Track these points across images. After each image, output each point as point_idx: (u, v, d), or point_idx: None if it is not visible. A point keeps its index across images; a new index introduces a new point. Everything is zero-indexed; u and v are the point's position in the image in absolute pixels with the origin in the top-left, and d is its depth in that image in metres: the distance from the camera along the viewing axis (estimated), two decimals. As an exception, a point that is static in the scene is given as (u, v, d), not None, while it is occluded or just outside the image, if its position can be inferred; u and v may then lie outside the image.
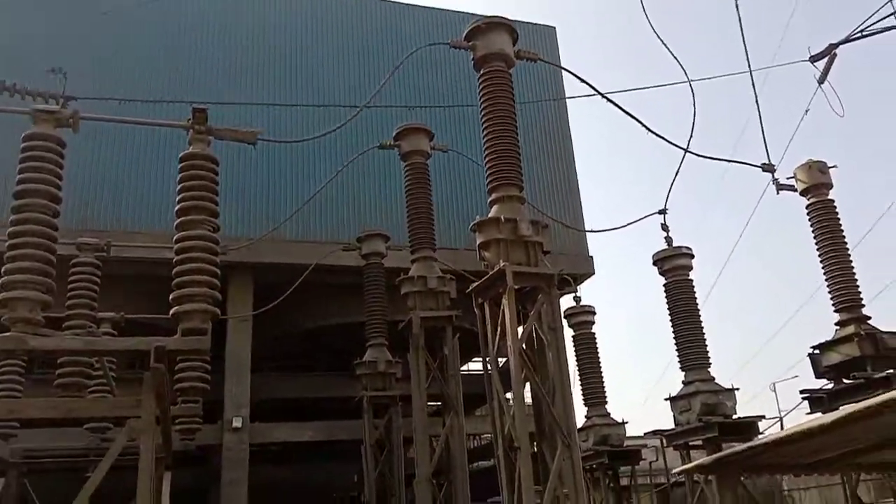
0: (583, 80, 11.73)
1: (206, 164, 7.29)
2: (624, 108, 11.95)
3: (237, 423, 19.18)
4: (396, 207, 19.38)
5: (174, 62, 21.05)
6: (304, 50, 22.81)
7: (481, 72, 10.46)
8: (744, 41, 16.10)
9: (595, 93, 11.86)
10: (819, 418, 4.70)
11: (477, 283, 9.66)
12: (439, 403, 17.26)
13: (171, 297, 6.83)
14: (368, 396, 15.64)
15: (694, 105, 15.48)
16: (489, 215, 9.66)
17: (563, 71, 19.42)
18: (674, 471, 7.53)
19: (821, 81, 27.02)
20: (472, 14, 20.88)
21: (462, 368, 18.99)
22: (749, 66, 16.08)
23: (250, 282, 19.88)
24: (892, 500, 13.51)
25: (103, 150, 18.81)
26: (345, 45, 23.35)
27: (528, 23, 24.33)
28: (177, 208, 7.21)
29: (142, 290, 17.33)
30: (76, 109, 6.84)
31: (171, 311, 6.80)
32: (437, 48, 11.78)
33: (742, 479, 11.34)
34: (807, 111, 24.58)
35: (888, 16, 25.65)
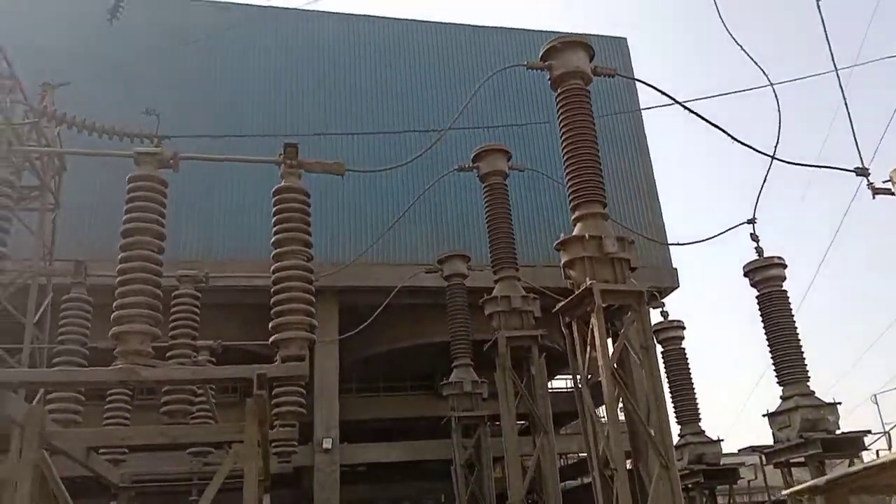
0: (661, 92, 11.56)
1: (299, 197, 7.56)
2: (705, 116, 11.73)
3: (327, 444, 19.60)
4: (476, 227, 19.53)
5: (263, 97, 21.94)
6: (381, 77, 23.37)
7: (559, 91, 10.44)
8: (827, 39, 15.44)
9: (673, 102, 11.68)
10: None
11: (564, 302, 9.59)
12: (526, 423, 17.18)
13: (270, 325, 7.08)
14: (457, 416, 15.71)
15: (778, 109, 14.98)
16: (573, 233, 9.60)
17: (638, 82, 19.23)
18: (782, 493, 7.21)
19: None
20: (543, 32, 20.94)
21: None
22: (834, 64, 15.47)
23: (335, 305, 20.38)
24: None
25: (194, 182, 19.71)
26: (422, 70, 23.79)
27: (599, 36, 24.22)
28: (273, 240, 7.48)
29: (234, 316, 18.00)
30: (177, 151, 7.21)
31: (271, 339, 7.05)
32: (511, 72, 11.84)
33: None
34: (898, 110, 23.31)
35: None
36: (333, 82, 22.82)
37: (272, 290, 7.21)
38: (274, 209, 7.51)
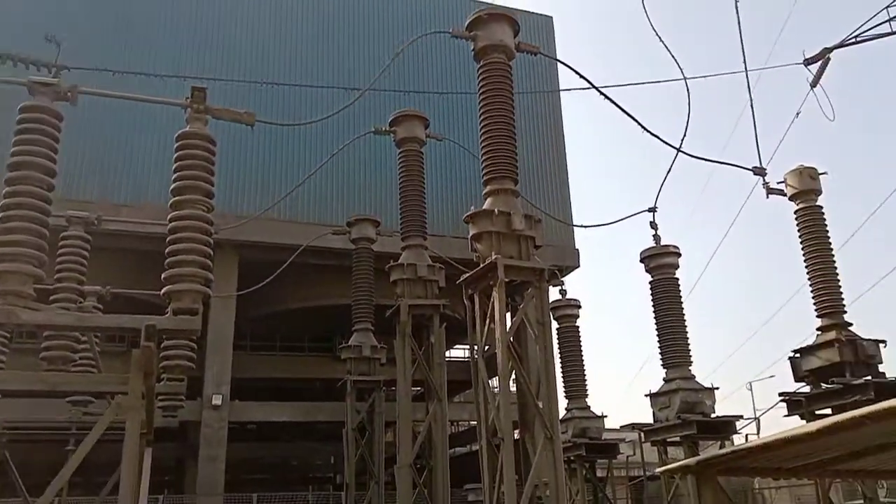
0: (580, 75, 11.75)
1: (204, 144, 7.24)
2: (619, 104, 12.01)
3: (217, 400, 19.22)
4: (388, 193, 19.39)
5: (173, 39, 20.87)
6: (305, 34, 22.64)
7: (481, 63, 10.43)
8: (741, 41, 16.17)
9: (591, 87, 11.89)
10: (804, 426, 4.79)
11: (468, 275, 9.69)
12: (420, 389, 17.36)
13: (163, 275, 6.80)
14: (353, 380, 15.69)
15: (689, 104, 15.49)
16: (483, 207, 9.68)
17: (560, 64, 19.45)
18: (657, 470, 7.64)
19: (813, 84, 27.24)
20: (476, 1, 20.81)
21: (445, 355, 19.06)
22: (745, 66, 16.14)
23: (236, 259, 19.86)
24: (860, 501, 13.76)
25: (93, 119, 18.62)
26: (345, 30, 23.20)
27: (525, 12, 24.29)
28: (172, 187, 7.15)
29: (126, 263, 17.26)
30: (75, 84, 6.76)
31: (163, 290, 6.77)
32: (438, 35, 11.72)
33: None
34: (798, 114, 24.77)
35: (884, 22, 25.89)
36: (257, 31, 21.94)
37: (168, 239, 6.92)
38: (176, 155, 7.17)
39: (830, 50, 26.54)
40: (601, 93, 12.01)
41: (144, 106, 18.45)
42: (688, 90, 13.40)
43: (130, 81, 16.44)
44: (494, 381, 12.71)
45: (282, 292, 20.46)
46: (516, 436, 17.28)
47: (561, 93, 24.86)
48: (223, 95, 16.50)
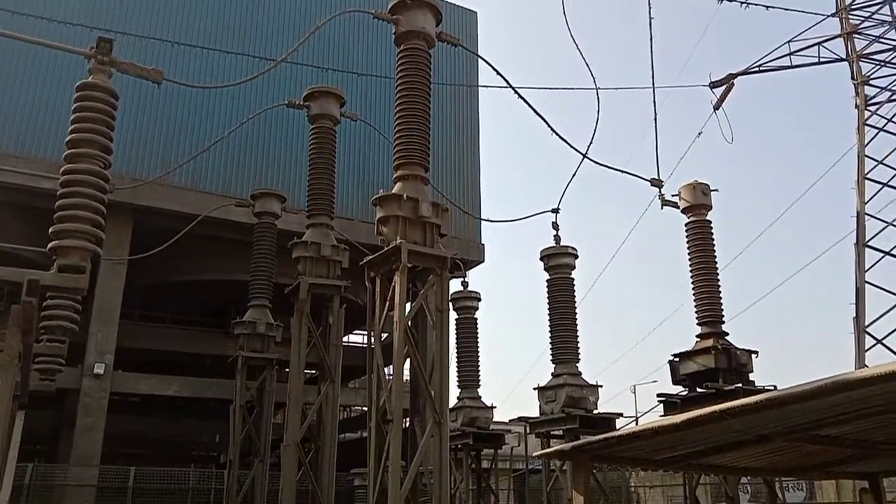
0: (497, 72, 11.97)
1: (105, 97, 6.97)
2: (533, 105, 12.31)
3: (99, 369, 18.45)
4: (297, 169, 19.09)
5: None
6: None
7: (401, 48, 10.46)
8: (651, 58, 16.82)
9: (507, 86, 12.14)
10: (671, 418, 5.12)
11: (371, 257, 9.72)
12: (315, 372, 17.25)
13: (51, 230, 6.51)
14: (244, 357, 15.39)
15: (598, 112, 16.05)
16: (392, 191, 9.72)
17: (480, 60, 19.69)
18: (534, 454, 7.96)
19: (716, 107, 28.68)
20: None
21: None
22: (653, 82, 16.85)
23: (130, 223, 19.08)
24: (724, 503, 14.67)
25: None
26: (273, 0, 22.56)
27: (451, 3, 24.43)
28: (67, 139, 6.85)
29: (14, 219, 16.33)
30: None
31: (50, 245, 6.49)
32: (362, 15, 11.65)
33: (594, 471, 12.03)
34: (699, 133, 26.00)
35: (785, 55, 27.50)
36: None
37: (58, 192, 6.63)
38: (74, 106, 6.87)
39: (735, 76, 28.12)
40: (516, 92, 12.29)
41: (47, 53, 17.49)
42: (598, 99, 13.90)
43: (32, 27, 15.50)
44: (389, 370, 12.81)
45: (176, 262, 19.81)
46: (406, 425, 17.46)
47: (480, 89, 25.18)
48: (133, 52, 15.83)
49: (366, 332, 25.43)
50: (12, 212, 16.68)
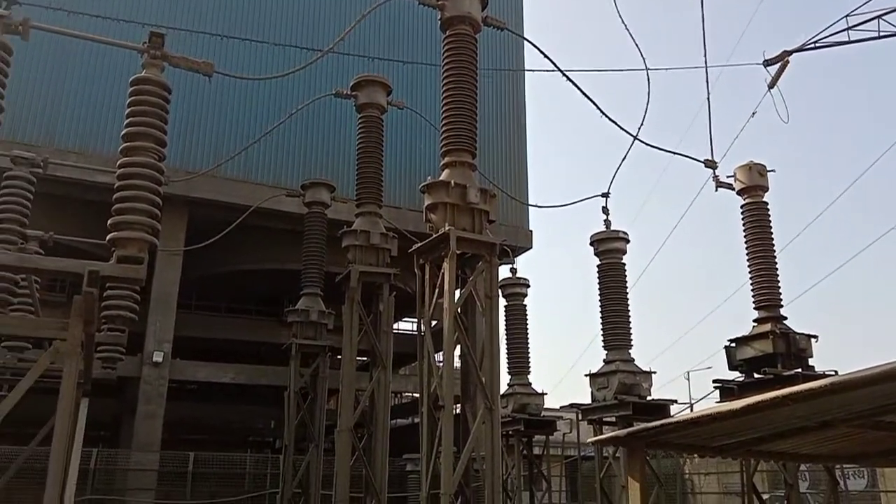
0: (545, 55, 11.84)
1: (158, 91, 7.10)
2: (582, 88, 12.15)
3: (158, 357, 18.97)
4: (345, 159, 19.21)
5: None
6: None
7: (447, 33, 10.40)
8: (703, 37, 16.44)
9: (555, 69, 12.00)
10: (729, 404, 5.01)
11: (420, 244, 9.74)
12: (366, 359, 17.41)
13: (109, 222, 6.68)
14: (298, 344, 15.63)
15: (648, 93, 15.78)
16: (440, 178, 9.71)
17: (526, 43, 19.48)
18: (588, 440, 7.89)
19: (771, 86, 27.85)
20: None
21: (392, 326, 19.13)
22: (706, 61, 16.47)
23: (185, 215, 19.52)
24: (783, 491, 14.36)
25: (43, 59, 17.99)
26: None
27: (496, -12, 24.18)
28: (123, 132, 7.01)
29: (70, 212, 16.83)
30: (28, 17, 6.54)
31: (109, 237, 6.66)
32: (407, 2, 11.62)
33: (647, 458, 11.86)
34: (754, 113, 25.31)
35: (842, 30, 26.54)
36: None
37: (116, 185, 6.79)
38: (129, 100, 7.02)
39: (790, 53, 27.21)
40: (564, 75, 12.14)
41: (100, 50, 17.95)
42: (648, 80, 13.67)
43: (88, 25, 15.90)
44: (440, 357, 12.86)
45: (230, 253, 20.21)
46: (457, 411, 17.51)
47: (528, 73, 24.94)
48: (182, 46, 16.11)
49: (415, 320, 25.64)
50: (69, 206, 17.20)
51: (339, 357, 13.88)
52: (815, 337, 12.75)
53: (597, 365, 14.14)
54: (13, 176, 9.43)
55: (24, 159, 9.59)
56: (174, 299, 19.43)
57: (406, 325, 30.44)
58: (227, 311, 24.66)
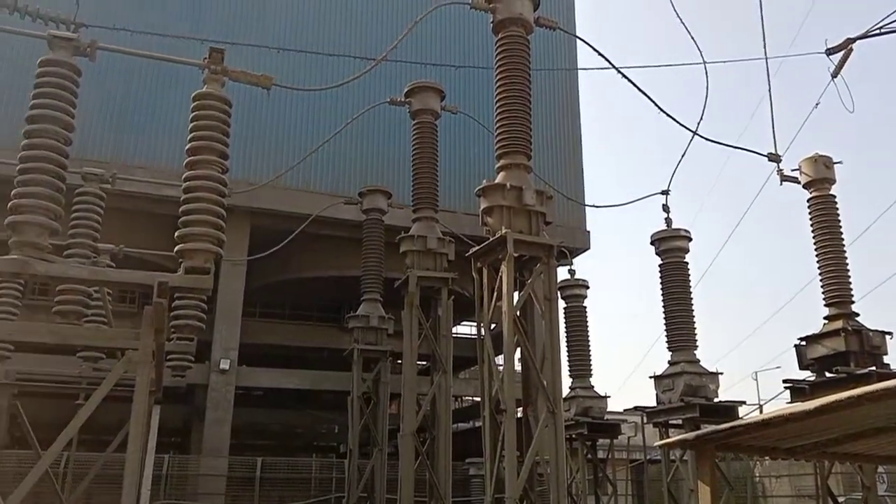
0: (599, 53, 11.72)
1: (220, 105, 7.28)
2: (637, 84, 11.96)
3: (225, 364, 19.43)
4: (401, 165, 19.36)
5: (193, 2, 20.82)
6: (327, 2, 22.50)
7: (499, 36, 10.39)
8: (763, 28, 15.98)
9: (609, 66, 11.85)
10: (802, 404, 4.84)
11: (477, 248, 9.74)
12: (426, 363, 17.51)
13: (176, 234, 6.89)
14: (359, 349, 15.83)
15: (707, 88, 15.49)
16: (495, 181, 9.70)
17: (579, 41, 19.31)
18: (655, 444, 7.75)
19: (834, 75, 26.85)
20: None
21: (451, 330, 19.17)
22: (765, 53, 16.00)
23: (247, 226, 19.97)
24: (860, 493, 13.83)
25: (109, 79, 18.68)
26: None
27: (547, -12, 24.02)
28: (187, 147, 7.21)
29: (139, 226, 17.40)
30: (94, 39, 6.80)
31: (176, 249, 6.86)
32: (458, 7, 11.67)
33: (717, 460, 11.58)
34: (817, 104, 24.45)
35: (909, 15, 25.48)
36: (267, 4, 21.82)
37: (182, 198, 6.99)
38: (192, 115, 7.22)
39: (853, 40, 26.14)
40: (619, 71, 11.98)
41: (162, 67, 18.54)
42: (706, 74, 13.38)
43: (150, 43, 16.44)
44: (500, 360, 12.83)
45: (292, 261, 20.59)
46: (519, 414, 17.45)
47: (578, 71, 24.69)
48: (240, 60, 16.51)
49: (473, 323, 25.63)
50: (138, 219, 17.78)
51: (400, 361, 14.01)
52: (890, 333, 12.24)
53: (661, 366, 13.89)
54: (84, 192, 9.81)
55: (94, 175, 9.97)
56: (239, 308, 19.89)
57: (464, 329, 30.45)
58: (290, 318, 25.12)
